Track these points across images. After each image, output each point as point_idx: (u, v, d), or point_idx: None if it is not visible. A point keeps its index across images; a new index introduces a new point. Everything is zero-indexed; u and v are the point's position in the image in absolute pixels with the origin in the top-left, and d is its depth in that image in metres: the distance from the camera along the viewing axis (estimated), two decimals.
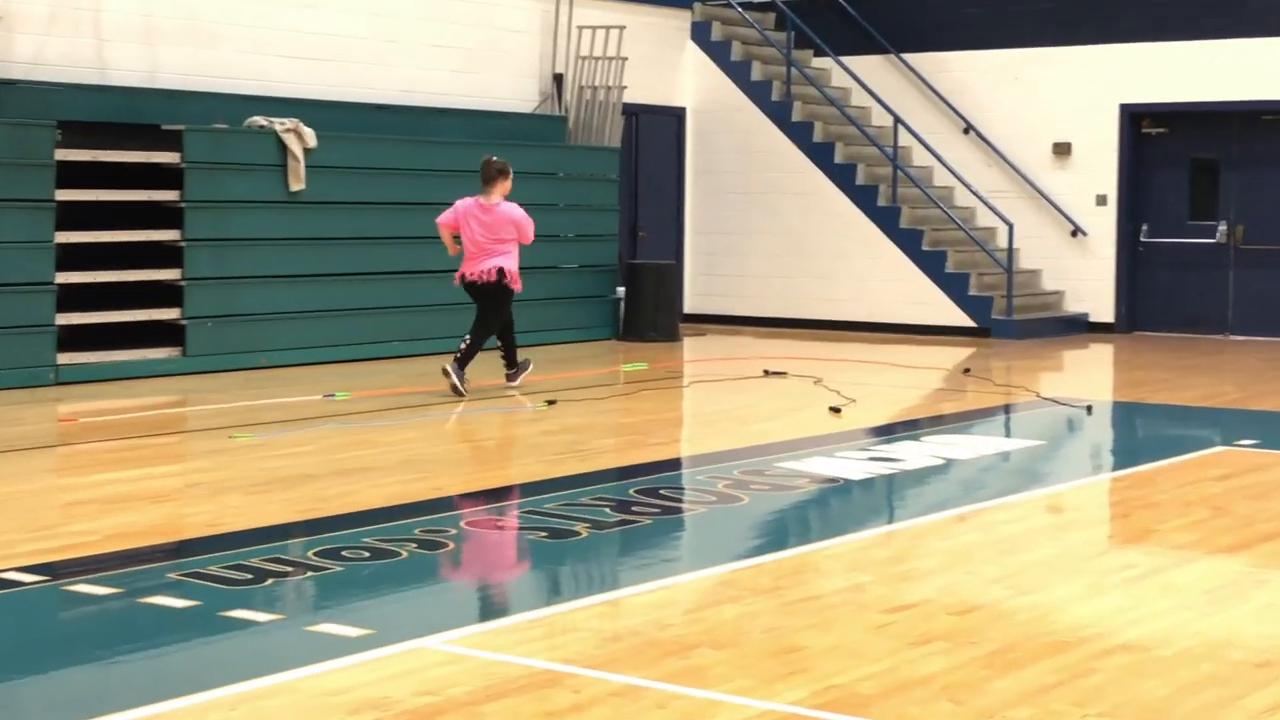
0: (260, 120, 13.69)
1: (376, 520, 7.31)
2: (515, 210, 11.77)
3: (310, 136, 13.77)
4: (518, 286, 11.87)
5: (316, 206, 13.94)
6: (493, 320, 11.84)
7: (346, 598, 6.03)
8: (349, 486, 8.14)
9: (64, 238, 12.19)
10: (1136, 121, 17.53)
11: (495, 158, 11.89)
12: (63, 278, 12.20)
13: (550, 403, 11.28)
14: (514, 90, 16.70)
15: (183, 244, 13.02)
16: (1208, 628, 5.60)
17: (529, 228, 11.82)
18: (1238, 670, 5.11)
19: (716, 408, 11.79)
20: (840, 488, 8.40)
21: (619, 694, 4.82)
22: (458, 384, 11.42)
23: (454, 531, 7.11)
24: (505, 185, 11.76)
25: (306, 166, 13.72)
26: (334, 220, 14.15)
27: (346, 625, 5.52)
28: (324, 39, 15.00)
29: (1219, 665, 5.16)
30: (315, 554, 6.65)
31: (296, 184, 13.68)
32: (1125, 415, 11.79)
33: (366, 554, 6.64)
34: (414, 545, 6.82)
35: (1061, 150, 17.73)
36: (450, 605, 5.99)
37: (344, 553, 6.65)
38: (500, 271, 11.66)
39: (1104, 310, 17.67)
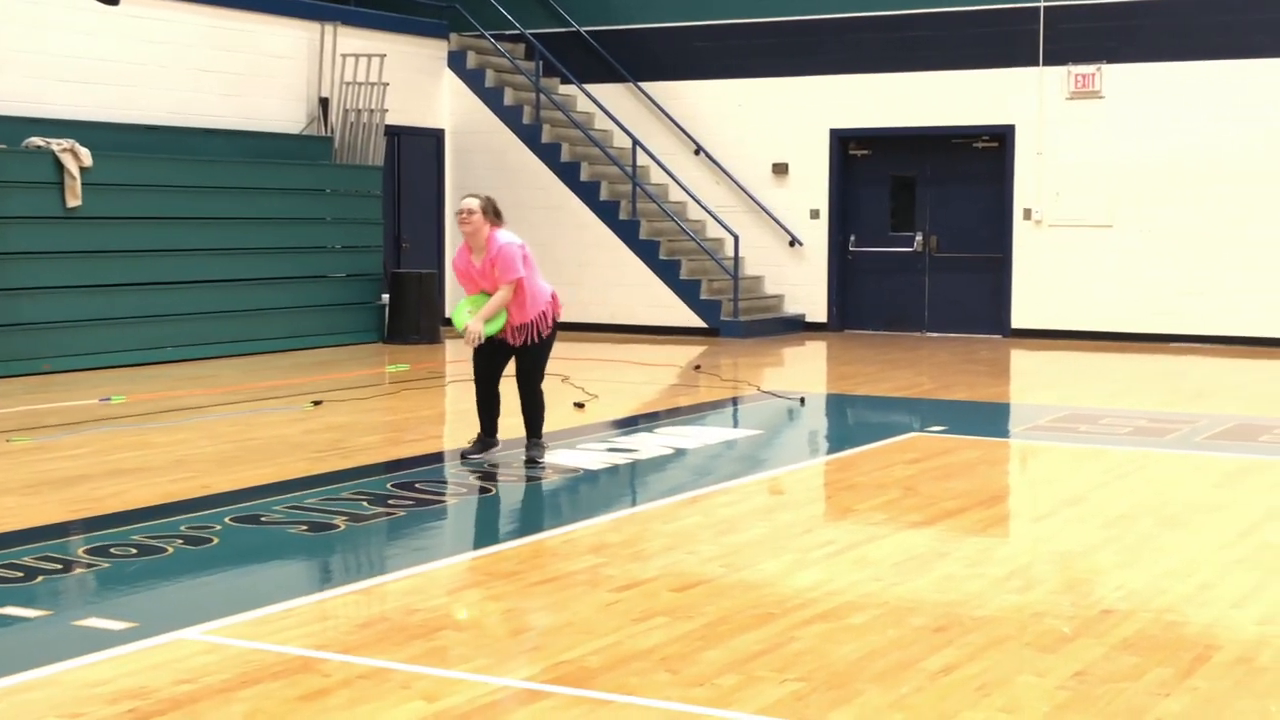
0: (38, 141, 13.18)
1: (146, 518, 7.10)
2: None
3: (86, 156, 13.30)
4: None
5: (93, 221, 13.48)
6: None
7: (113, 593, 5.85)
8: (121, 486, 7.89)
9: None
10: (844, 144, 17.95)
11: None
12: None
13: (316, 403, 11.09)
14: (281, 112, 16.37)
15: None
16: (894, 597, 5.76)
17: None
18: (918, 635, 5.26)
19: (470, 405, 11.67)
20: (581, 477, 8.43)
21: (366, 676, 4.75)
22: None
23: (218, 527, 6.93)
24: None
25: (83, 184, 13.25)
26: (110, 234, 13.69)
27: (111, 619, 5.35)
28: (98, 64, 14.50)
29: (903, 631, 5.31)
30: (85, 551, 6.44)
31: (74, 200, 13.21)
32: (834, 405, 12.06)
33: (134, 550, 6.45)
34: (180, 541, 6.64)
35: (780, 170, 18.07)
36: (211, 597, 5.83)
37: (113, 549, 6.45)
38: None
39: (818, 311, 18.06)
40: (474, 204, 8.58)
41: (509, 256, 8.46)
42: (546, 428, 8.93)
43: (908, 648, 5.10)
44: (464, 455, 8.80)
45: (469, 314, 8.56)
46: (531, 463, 8.64)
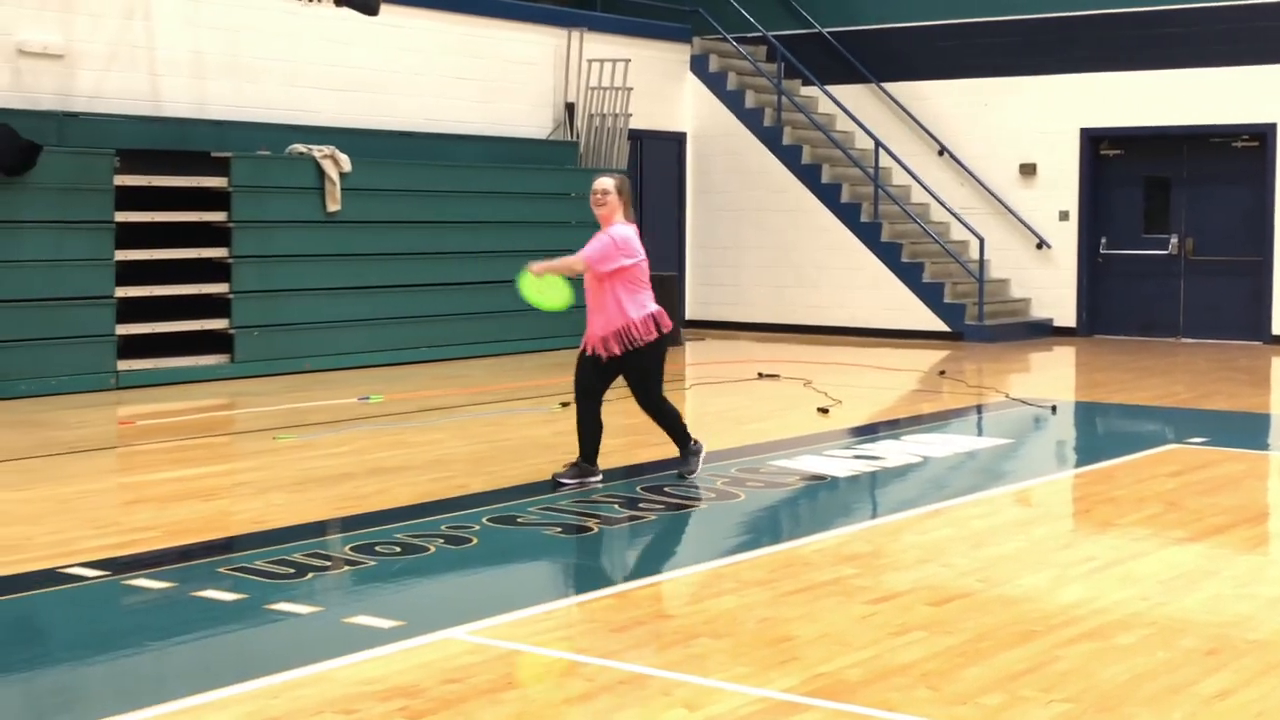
0: (300, 147, 13.67)
1: (407, 517, 7.29)
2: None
3: (345, 162, 13.75)
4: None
5: (352, 225, 13.93)
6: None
7: (379, 590, 6.02)
8: (382, 484, 8.12)
9: (123, 255, 12.22)
10: (1095, 144, 17.47)
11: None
12: (121, 292, 12.21)
13: (564, 405, 11.25)
14: (529, 118, 16.67)
15: (230, 260, 13.02)
16: (1162, 617, 5.57)
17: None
18: (1190, 657, 5.08)
19: (715, 408, 11.75)
20: (827, 484, 8.37)
21: (626, 681, 4.80)
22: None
23: (477, 527, 7.08)
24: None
25: (342, 189, 13.71)
26: (368, 237, 14.13)
27: (379, 617, 5.50)
28: (356, 72, 14.99)
29: (1173, 653, 5.13)
30: (351, 549, 6.65)
31: (333, 205, 13.67)
32: (1086, 414, 11.74)
33: (398, 549, 6.63)
34: (441, 540, 6.80)
35: (1027, 170, 17.69)
36: (473, 597, 5.96)
37: (377, 548, 6.64)
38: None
39: (1066, 316, 17.62)
40: (609, 184, 7.87)
41: (599, 241, 7.83)
42: (790, 432, 8.87)
43: (1178, 670, 4.93)
44: (556, 480, 7.99)
45: (536, 290, 7.95)
46: (681, 477, 8.20)
